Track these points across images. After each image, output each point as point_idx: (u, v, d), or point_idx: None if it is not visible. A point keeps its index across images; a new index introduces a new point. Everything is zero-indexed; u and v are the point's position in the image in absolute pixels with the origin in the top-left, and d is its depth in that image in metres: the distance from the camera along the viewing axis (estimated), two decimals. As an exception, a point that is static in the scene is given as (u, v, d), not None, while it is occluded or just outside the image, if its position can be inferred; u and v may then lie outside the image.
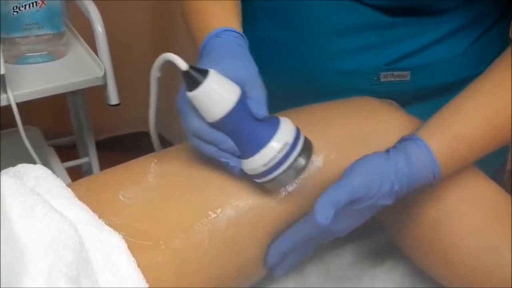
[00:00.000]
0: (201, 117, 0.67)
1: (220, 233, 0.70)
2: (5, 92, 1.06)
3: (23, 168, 0.71)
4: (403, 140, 0.72)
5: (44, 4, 1.11)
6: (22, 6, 1.10)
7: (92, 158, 1.36)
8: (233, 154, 0.69)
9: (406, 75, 0.90)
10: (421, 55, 0.89)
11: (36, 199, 0.63)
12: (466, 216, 0.76)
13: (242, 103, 0.67)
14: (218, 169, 0.73)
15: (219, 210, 0.71)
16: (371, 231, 0.86)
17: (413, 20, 0.87)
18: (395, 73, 0.89)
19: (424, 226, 0.77)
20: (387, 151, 0.71)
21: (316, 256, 0.86)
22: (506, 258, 0.73)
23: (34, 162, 1.06)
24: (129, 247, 0.66)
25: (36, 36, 1.13)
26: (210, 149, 0.69)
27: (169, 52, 0.68)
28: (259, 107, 0.67)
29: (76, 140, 1.45)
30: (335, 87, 0.90)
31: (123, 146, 1.85)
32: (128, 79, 1.64)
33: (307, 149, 0.70)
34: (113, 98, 1.17)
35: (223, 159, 0.69)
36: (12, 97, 1.06)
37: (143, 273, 0.65)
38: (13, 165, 0.72)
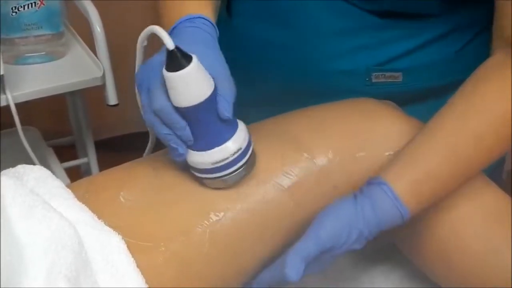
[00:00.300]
0: (168, 97, 0.66)
1: (221, 236, 0.70)
2: (4, 92, 1.06)
3: (22, 168, 0.71)
4: (369, 183, 0.71)
5: (43, 4, 1.11)
6: (21, 7, 1.10)
7: (91, 158, 1.36)
8: (184, 142, 0.68)
9: (398, 76, 0.90)
10: (412, 56, 0.89)
11: (36, 199, 0.63)
12: (467, 217, 0.76)
13: (212, 98, 0.66)
14: None
15: (221, 213, 0.71)
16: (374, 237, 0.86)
17: (404, 23, 0.87)
18: (387, 74, 0.90)
19: (425, 228, 0.77)
20: (354, 196, 0.70)
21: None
22: (506, 260, 0.73)
23: (33, 163, 1.07)
24: (129, 248, 0.66)
25: (35, 36, 1.13)
26: (163, 131, 0.68)
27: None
28: (225, 107, 0.67)
29: (75, 141, 1.45)
30: (327, 88, 0.90)
31: (122, 146, 1.84)
32: (127, 79, 1.63)
33: (252, 162, 0.72)
34: (112, 99, 1.17)
35: (172, 144, 0.68)
36: (11, 97, 1.06)
37: (143, 274, 0.65)
38: (13, 165, 0.72)
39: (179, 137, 0.68)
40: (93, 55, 1.17)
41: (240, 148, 0.69)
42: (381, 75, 0.90)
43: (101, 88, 1.16)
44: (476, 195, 0.77)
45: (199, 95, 0.65)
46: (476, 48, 0.91)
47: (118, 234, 0.67)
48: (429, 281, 0.82)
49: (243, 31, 0.79)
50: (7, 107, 1.06)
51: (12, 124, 1.10)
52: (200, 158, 0.69)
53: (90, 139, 1.34)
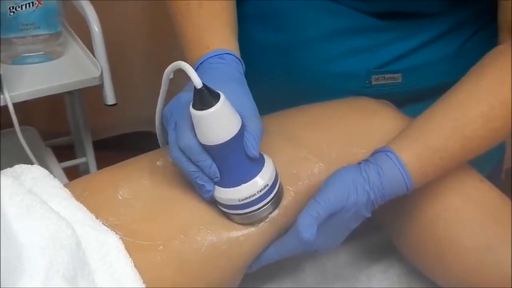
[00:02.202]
0: (194, 135, 0.66)
1: (220, 235, 0.70)
2: (2, 92, 1.06)
3: (20, 168, 0.71)
4: (375, 152, 0.72)
5: (41, 4, 1.11)
6: (19, 6, 1.10)
7: (89, 158, 1.36)
8: (211, 179, 0.69)
9: (398, 78, 0.90)
10: (411, 57, 0.89)
11: (34, 199, 0.63)
12: (462, 215, 0.76)
13: (239, 136, 0.66)
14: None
15: (221, 212, 0.71)
16: (367, 231, 0.87)
17: (403, 24, 0.88)
18: (387, 75, 0.90)
19: (420, 225, 0.77)
20: (359, 163, 0.71)
21: (313, 256, 0.86)
22: (501, 258, 0.74)
23: (32, 162, 1.07)
24: (127, 248, 0.66)
25: (33, 36, 1.13)
26: (190, 168, 0.68)
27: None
28: (253, 145, 0.67)
29: (74, 140, 1.45)
30: (327, 90, 0.90)
31: (120, 146, 1.85)
32: (125, 79, 1.64)
33: (279, 197, 0.72)
34: (110, 98, 1.17)
35: (199, 182, 0.68)
36: (8, 97, 1.06)
37: (140, 274, 0.65)
38: (11, 165, 0.72)
39: (206, 174, 0.68)
40: (91, 54, 1.17)
41: (267, 185, 0.69)
42: (381, 77, 0.90)
43: (99, 87, 1.16)
44: (471, 192, 0.77)
45: (226, 134, 0.65)
46: (476, 46, 0.91)
47: (116, 233, 0.67)
48: (426, 279, 0.82)
49: (242, 34, 0.79)
50: (5, 107, 1.06)
51: (10, 124, 1.10)
52: (227, 195, 0.69)
53: (88, 138, 1.34)
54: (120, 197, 0.71)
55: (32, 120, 1.58)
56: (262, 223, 0.72)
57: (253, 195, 0.69)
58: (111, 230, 0.67)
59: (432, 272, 0.80)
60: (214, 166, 0.67)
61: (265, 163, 0.70)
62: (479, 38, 0.91)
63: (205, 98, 0.64)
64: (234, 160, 0.67)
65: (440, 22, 0.89)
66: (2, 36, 1.11)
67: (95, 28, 1.13)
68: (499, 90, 0.73)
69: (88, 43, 1.17)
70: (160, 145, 0.80)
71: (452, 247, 0.75)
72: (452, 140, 0.72)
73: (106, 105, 1.19)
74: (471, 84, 0.75)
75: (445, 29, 0.89)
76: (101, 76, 1.14)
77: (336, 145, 0.77)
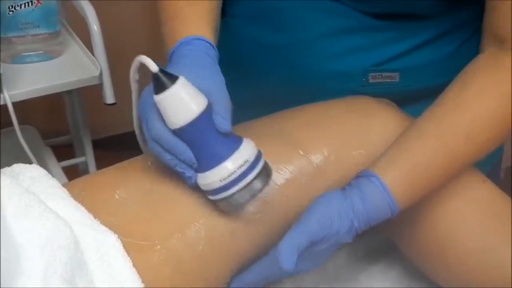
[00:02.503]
0: (164, 123, 0.66)
1: (217, 234, 0.70)
2: (1, 91, 1.06)
3: (18, 168, 0.71)
4: (358, 176, 0.72)
5: (40, 3, 1.11)
6: (18, 6, 1.10)
7: (88, 157, 1.36)
8: (190, 166, 0.68)
9: (395, 77, 0.90)
10: (409, 57, 0.89)
11: (32, 199, 0.63)
12: (464, 216, 0.76)
13: (207, 115, 0.66)
14: None
15: (217, 211, 0.70)
16: (367, 231, 0.86)
17: (400, 24, 0.87)
18: (384, 74, 0.90)
19: (422, 226, 0.77)
20: (343, 189, 0.71)
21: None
22: (504, 258, 0.73)
23: (31, 162, 1.07)
24: (125, 247, 0.66)
25: (32, 35, 1.13)
26: (166, 157, 0.68)
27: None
28: (224, 121, 0.66)
29: (73, 139, 1.45)
30: (325, 89, 0.90)
31: (120, 145, 1.84)
32: (124, 78, 1.63)
33: (266, 173, 0.69)
34: (109, 97, 1.17)
35: (178, 169, 0.68)
36: (8, 96, 1.06)
37: (139, 273, 0.64)
38: (10, 164, 0.72)
39: (182, 161, 0.68)
40: (90, 54, 1.17)
41: (247, 161, 0.67)
42: (378, 75, 0.90)
43: (99, 87, 1.16)
44: (473, 193, 0.77)
45: (190, 113, 0.65)
46: (474, 47, 0.90)
47: (114, 233, 0.66)
48: (426, 279, 0.82)
49: (239, 32, 0.79)
50: (5, 106, 1.06)
51: (10, 123, 1.10)
52: (209, 178, 0.68)
53: (87, 138, 1.34)
54: (117, 197, 0.71)
55: (31, 119, 1.58)
56: (258, 222, 0.71)
57: (234, 172, 0.67)
58: (109, 230, 0.67)
59: (434, 273, 0.80)
60: (188, 151, 0.67)
61: (244, 141, 0.69)
62: (477, 39, 0.91)
63: (162, 81, 0.64)
64: (207, 140, 0.67)
65: (438, 23, 0.88)
66: (1, 35, 1.11)
67: (95, 27, 1.13)
68: (481, 102, 0.72)
69: (88, 43, 1.18)
70: (141, 147, 0.79)
71: (454, 248, 0.75)
72: (436, 158, 0.71)
73: (105, 104, 1.19)
74: (453, 98, 0.74)
75: (443, 30, 0.89)
76: (100, 75, 1.14)
77: (334, 146, 0.77)
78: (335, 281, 0.85)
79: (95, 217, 0.67)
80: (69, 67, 1.16)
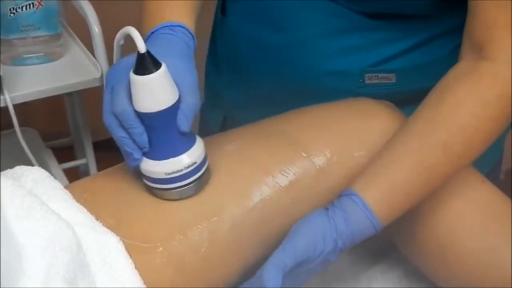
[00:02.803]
0: (130, 101, 0.66)
1: (219, 235, 0.70)
2: (2, 93, 1.06)
3: (20, 170, 0.71)
4: (339, 196, 0.72)
5: (41, 5, 1.11)
6: (19, 8, 1.10)
7: (89, 159, 1.36)
8: (140, 148, 0.68)
9: (391, 78, 0.90)
10: (405, 57, 0.89)
11: (34, 200, 0.63)
12: (464, 217, 0.76)
13: (174, 109, 0.67)
14: (219, 171, 0.73)
15: (219, 212, 0.71)
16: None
17: (396, 24, 0.87)
18: (380, 75, 0.90)
19: (422, 227, 0.77)
20: (326, 209, 0.71)
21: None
22: (504, 258, 0.73)
23: (32, 164, 1.07)
24: (127, 249, 0.66)
25: (33, 37, 1.13)
26: (120, 133, 0.68)
27: None
28: (185, 120, 0.67)
29: (74, 141, 1.45)
30: (321, 89, 0.90)
31: (121, 147, 1.85)
32: (125, 80, 1.64)
33: (205, 179, 0.72)
34: (110, 99, 1.17)
35: (127, 148, 0.68)
36: (9, 98, 1.06)
37: (141, 275, 0.65)
38: (11, 166, 0.72)
39: (135, 142, 0.68)
40: (91, 56, 1.18)
41: (195, 163, 0.69)
42: (374, 76, 0.90)
43: (99, 89, 1.16)
44: (472, 193, 0.77)
45: (161, 103, 0.66)
46: None
47: (116, 235, 0.67)
48: (426, 280, 0.82)
49: (237, 31, 0.79)
50: (5, 108, 1.07)
51: (11, 125, 1.10)
52: (155, 168, 0.69)
53: (88, 140, 1.34)
54: (119, 199, 0.71)
55: (32, 121, 1.58)
56: (261, 224, 0.71)
57: (180, 171, 0.69)
58: (111, 231, 0.67)
59: (435, 273, 0.80)
60: (145, 135, 0.67)
61: (196, 142, 0.70)
62: None
63: (146, 64, 0.64)
64: (165, 133, 0.68)
65: (434, 24, 0.88)
66: (2, 37, 1.12)
67: (95, 29, 1.14)
68: (457, 116, 0.72)
69: (89, 44, 1.18)
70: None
71: (454, 248, 0.75)
72: (415, 172, 0.71)
73: (106, 106, 1.18)
74: (430, 111, 0.73)
75: (439, 31, 0.89)
76: (101, 77, 1.14)
77: (336, 147, 0.77)
78: (336, 281, 0.85)
79: (97, 218, 0.67)
80: (70, 69, 1.16)
